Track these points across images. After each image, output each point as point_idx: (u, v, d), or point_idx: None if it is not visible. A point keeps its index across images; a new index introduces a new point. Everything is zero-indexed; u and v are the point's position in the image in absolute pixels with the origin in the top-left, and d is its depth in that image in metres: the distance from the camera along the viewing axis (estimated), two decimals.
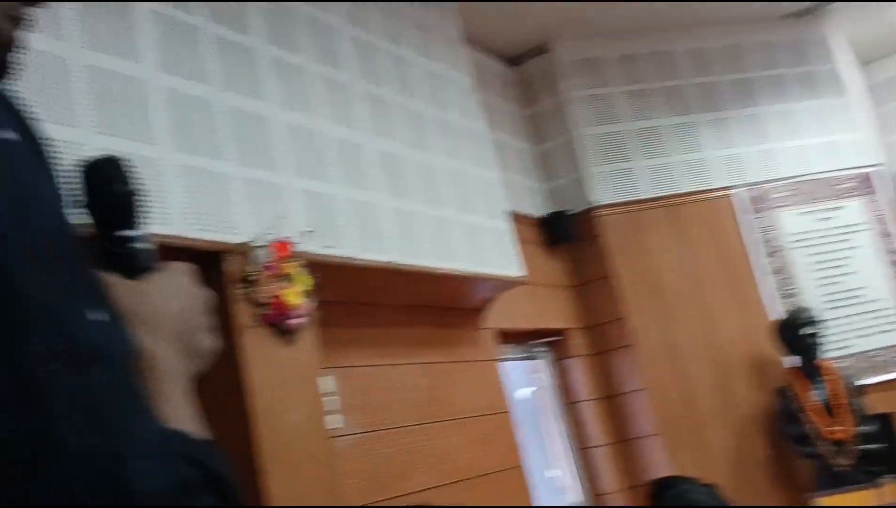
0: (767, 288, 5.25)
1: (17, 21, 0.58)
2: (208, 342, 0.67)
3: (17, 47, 0.59)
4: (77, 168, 0.64)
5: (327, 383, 2.98)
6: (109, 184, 0.65)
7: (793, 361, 4.92)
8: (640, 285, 5.11)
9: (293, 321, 2.67)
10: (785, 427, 4.81)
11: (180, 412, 0.52)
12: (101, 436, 0.42)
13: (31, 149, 0.46)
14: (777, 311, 5.13)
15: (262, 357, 2.62)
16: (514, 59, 5.58)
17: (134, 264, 0.65)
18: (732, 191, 5.41)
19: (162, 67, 2.62)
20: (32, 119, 0.47)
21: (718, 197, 5.39)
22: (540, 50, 5.49)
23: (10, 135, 0.44)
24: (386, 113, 3.67)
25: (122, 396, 0.44)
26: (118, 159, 0.66)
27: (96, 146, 2.28)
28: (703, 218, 5.31)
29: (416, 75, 3.99)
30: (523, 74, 5.56)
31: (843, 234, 5.51)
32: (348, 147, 3.35)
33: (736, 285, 5.23)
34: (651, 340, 5.02)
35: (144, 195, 0.72)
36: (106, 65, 2.43)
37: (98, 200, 0.66)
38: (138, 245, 0.69)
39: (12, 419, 0.39)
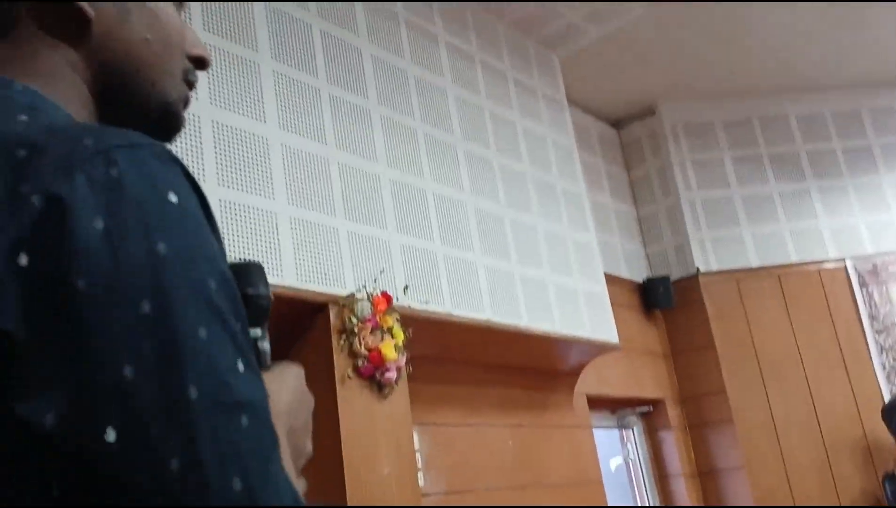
0: (876, 366, 4.95)
1: (191, 85, 0.69)
2: (310, 446, 0.69)
3: (187, 106, 0.69)
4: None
5: (416, 439, 3.00)
6: (249, 287, 0.69)
7: None
8: (741, 356, 4.92)
9: (389, 375, 2.71)
10: None
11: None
12: (244, 483, 0.44)
13: (201, 205, 0.51)
14: (888, 391, 4.83)
15: (357, 409, 2.66)
16: (617, 121, 5.58)
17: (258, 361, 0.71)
18: (844, 262, 5.17)
19: (281, 125, 2.77)
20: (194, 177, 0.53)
21: (829, 268, 5.16)
22: (644, 112, 5.47)
23: (184, 193, 0.49)
24: (487, 172, 3.73)
25: (266, 447, 0.47)
26: (259, 265, 0.72)
27: (219, 197, 2.42)
28: (812, 289, 5.10)
29: (518, 136, 4.04)
30: (627, 136, 5.54)
31: None
32: (449, 205, 3.42)
33: (844, 360, 4.96)
34: (751, 415, 4.80)
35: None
36: (231, 122, 2.59)
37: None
38: (261, 345, 0.73)
39: (160, 457, 0.43)
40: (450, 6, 3.90)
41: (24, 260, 0.44)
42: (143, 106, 0.65)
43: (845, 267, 5.18)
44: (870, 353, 4.99)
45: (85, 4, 0.60)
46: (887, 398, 4.79)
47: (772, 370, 4.91)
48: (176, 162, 0.51)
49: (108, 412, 0.42)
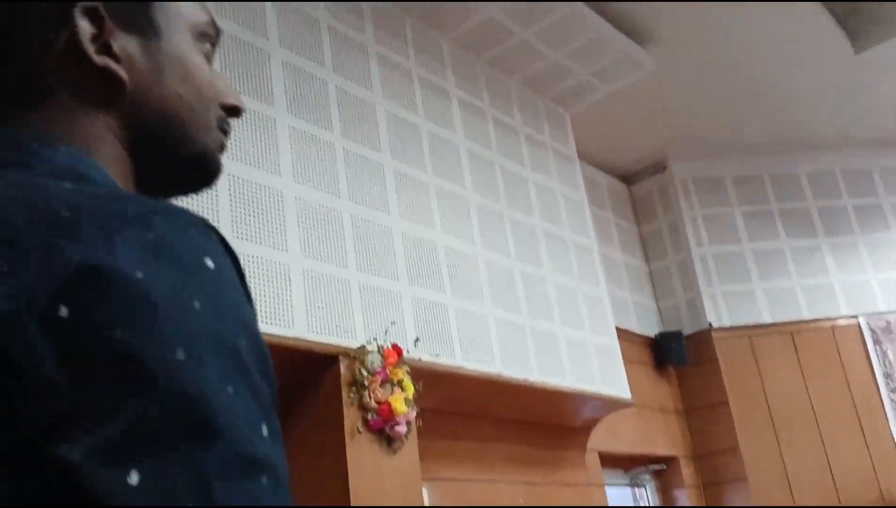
0: (893, 424, 4.87)
1: (226, 132, 0.71)
2: None
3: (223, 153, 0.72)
4: None
5: (424, 494, 2.95)
6: None
7: None
8: (755, 413, 4.85)
9: (399, 429, 2.69)
10: None
11: None
12: None
13: (236, 271, 0.52)
14: None
15: (366, 463, 2.63)
16: (627, 176, 5.62)
17: None
18: (857, 319, 5.13)
19: (296, 178, 2.81)
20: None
21: (841, 325, 5.12)
22: (655, 167, 5.51)
23: (219, 258, 0.51)
24: (498, 225, 3.75)
25: None
26: None
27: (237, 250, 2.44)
28: (825, 346, 5.05)
29: (529, 190, 4.08)
30: (637, 190, 5.58)
31: None
32: (460, 258, 3.43)
33: (859, 418, 4.89)
34: (765, 473, 4.71)
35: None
36: (246, 175, 2.63)
37: None
38: None
39: (178, 504, 0.43)
40: (463, 65, 3.98)
41: (63, 311, 0.45)
42: (180, 159, 0.67)
43: (858, 324, 5.14)
44: (885, 411, 4.92)
45: (118, 68, 0.62)
46: None
47: (785, 428, 4.84)
48: (212, 229, 0.53)
49: (135, 454, 0.43)
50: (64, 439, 0.43)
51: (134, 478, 0.43)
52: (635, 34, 4.25)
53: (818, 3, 4.18)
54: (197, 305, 0.47)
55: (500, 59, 4.14)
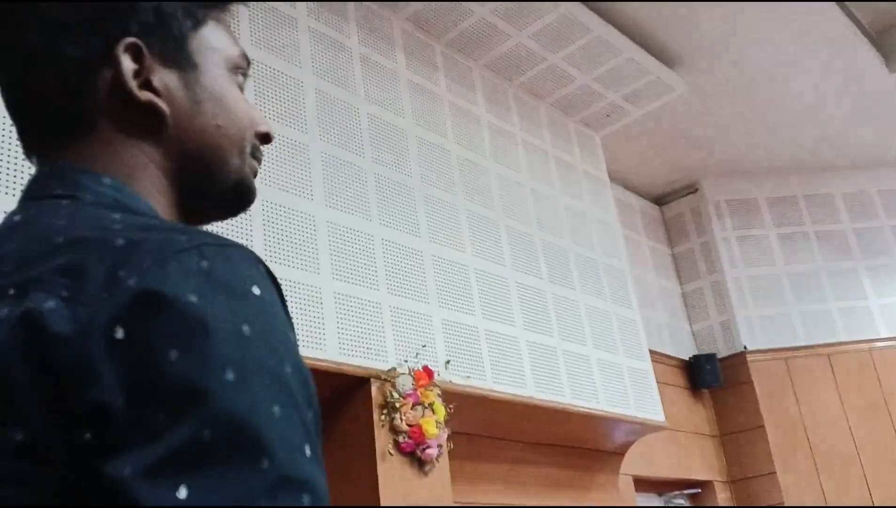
0: None
1: (259, 159, 0.75)
2: None
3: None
4: None
5: None
6: None
7: None
8: (791, 437, 4.76)
9: (430, 451, 2.70)
10: None
11: None
12: None
13: (280, 301, 0.55)
14: None
15: (397, 485, 2.64)
16: (660, 198, 5.60)
17: None
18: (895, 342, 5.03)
19: (328, 202, 2.86)
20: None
21: (882, 347, 5.02)
22: (687, 189, 5.49)
23: (266, 288, 0.53)
24: (529, 248, 3.76)
25: None
26: None
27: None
28: (864, 368, 4.95)
29: (560, 212, 4.09)
30: (670, 212, 5.55)
31: None
32: (491, 280, 3.45)
33: None
34: (804, 499, 4.61)
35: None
36: (279, 200, 2.68)
37: None
38: None
39: None
40: (493, 89, 4.02)
41: (120, 334, 0.48)
42: (219, 187, 0.70)
43: None
44: None
45: (159, 101, 0.65)
46: None
47: (823, 452, 4.74)
48: (260, 262, 0.56)
49: (184, 470, 0.46)
50: (115, 456, 0.46)
51: (182, 493, 0.45)
52: (665, 57, 4.26)
53: (851, 23, 4.15)
54: (246, 330, 0.50)
55: (530, 83, 4.17)
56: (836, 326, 5.06)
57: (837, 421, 4.83)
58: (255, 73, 2.82)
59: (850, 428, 4.81)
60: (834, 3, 4.00)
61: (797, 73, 4.47)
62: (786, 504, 4.61)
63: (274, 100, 2.85)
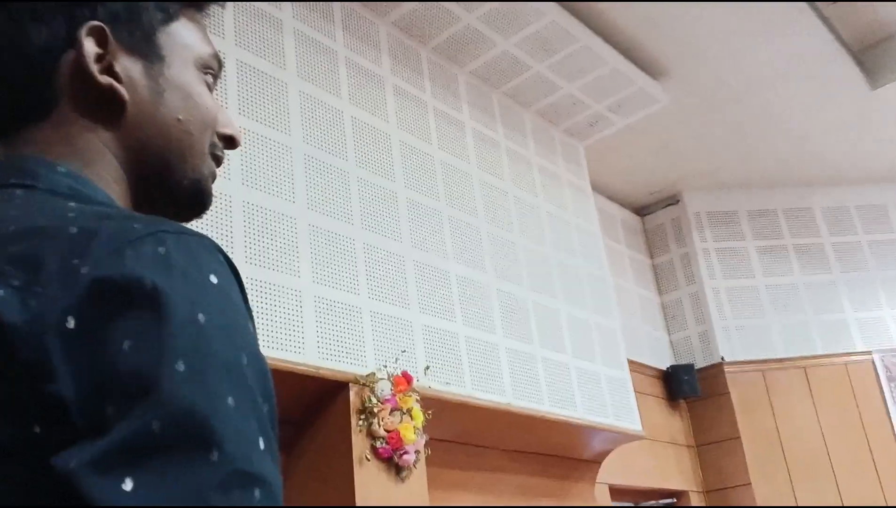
0: None
1: (219, 161, 0.73)
2: None
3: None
4: None
5: None
6: None
7: None
8: (767, 448, 4.80)
9: (407, 457, 2.69)
10: None
11: None
12: None
13: (240, 291, 0.54)
14: None
15: (374, 491, 2.63)
16: (641, 208, 5.63)
17: None
18: (871, 355, 5.08)
19: (310, 205, 2.85)
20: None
21: (857, 361, 5.07)
22: (669, 200, 5.52)
23: (224, 277, 0.52)
24: (510, 255, 3.77)
25: None
26: None
27: (246, 275, 2.47)
28: (838, 382, 5.00)
29: (542, 220, 4.10)
30: (651, 223, 5.58)
31: None
32: (472, 287, 3.45)
33: (873, 455, 4.81)
34: None
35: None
36: (261, 202, 2.67)
37: None
38: None
39: None
40: (479, 96, 4.03)
41: (71, 323, 0.47)
42: (175, 183, 0.68)
43: (872, 360, 5.08)
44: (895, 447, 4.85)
45: (120, 87, 0.64)
46: None
47: (798, 463, 4.78)
48: (219, 250, 0.55)
49: (132, 463, 0.45)
50: (65, 449, 0.45)
51: (128, 485, 0.44)
52: (650, 68, 4.29)
53: (834, 40, 4.21)
54: (202, 318, 0.49)
55: (515, 91, 4.18)
56: (813, 339, 5.11)
57: (812, 434, 4.87)
58: (240, 74, 2.80)
59: (824, 441, 4.86)
60: (819, 21, 4.05)
61: (780, 88, 4.51)
62: None
63: (258, 101, 2.84)
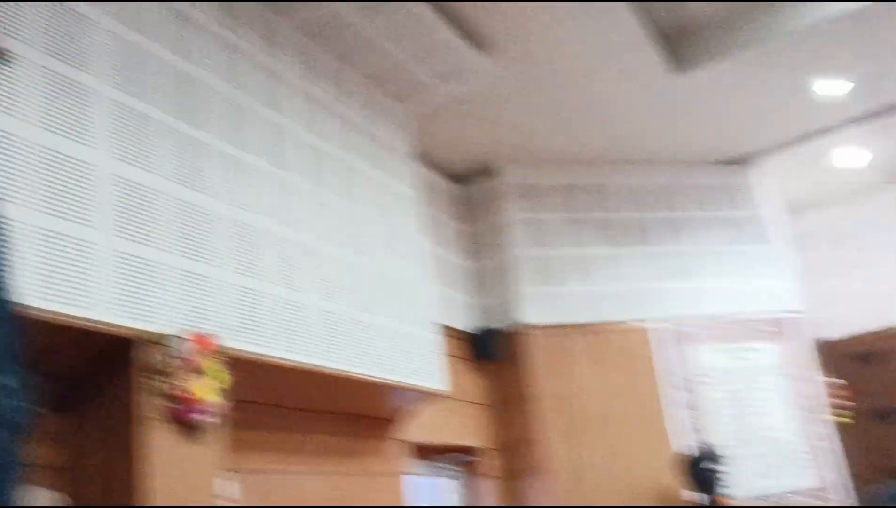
0: (677, 421, 5.37)
1: None
2: None
3: None
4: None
5: (230, 486, 2.91)
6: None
7: (692, 496, 4.99)
8: (556, 408, 5.18)
9: (198, 417, 2.63)
10: None
11: None
12: None
13: None
14: (683, 445, 5.23)
15: (166, 452, 2.56)
16: (460, 178, 5.79)
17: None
18: (653, 324, 5.59)
19: (112, 153, 2.67)
20: None
21: (639, 329, 5.56)
22: (486, 172, 5.72)
23: None
24: (328, 216, 3.75)
25: (7, 460, 0.47)
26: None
27: (39, 225, 2.29)
28: (624, 348, 5.47)
29: (362, 183, 4.11)
30: (468, 192, 5.76)
31: (755, 375, 5.72)
32: (286, 245, 3.41)
33: (647, 416, 5.35)
34: (562, 465, 5.05)
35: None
36: (57, 146, 2.47)
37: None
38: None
39: None
40: (304, 53, 3.94)
41: None
42: None
43: (653, 328, 5.59)
44: (670, 410, 5.40)
45: None
46: (678, 452, 5.18)
47: (584, 423, 5.21)
48: None
49: None
50: None
51: None
52: (478, 41, 4.38)
53: (641, 25, 4.50)
54: None
55: (342, 51, 4.13)
56: (604, 307, 5.54)
57: (598, 393, 5.31)
58: None
59: (609, 400, 5.31)
60: (629, 6, 4.31)
61: (590, 67, 4.76)
62: (553, 470, 5.01)
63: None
